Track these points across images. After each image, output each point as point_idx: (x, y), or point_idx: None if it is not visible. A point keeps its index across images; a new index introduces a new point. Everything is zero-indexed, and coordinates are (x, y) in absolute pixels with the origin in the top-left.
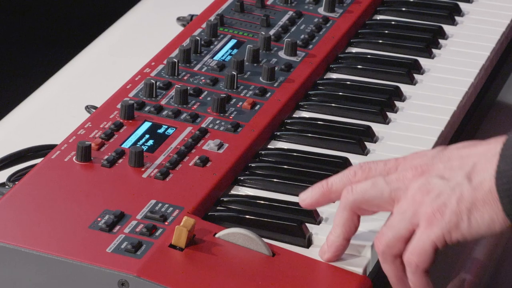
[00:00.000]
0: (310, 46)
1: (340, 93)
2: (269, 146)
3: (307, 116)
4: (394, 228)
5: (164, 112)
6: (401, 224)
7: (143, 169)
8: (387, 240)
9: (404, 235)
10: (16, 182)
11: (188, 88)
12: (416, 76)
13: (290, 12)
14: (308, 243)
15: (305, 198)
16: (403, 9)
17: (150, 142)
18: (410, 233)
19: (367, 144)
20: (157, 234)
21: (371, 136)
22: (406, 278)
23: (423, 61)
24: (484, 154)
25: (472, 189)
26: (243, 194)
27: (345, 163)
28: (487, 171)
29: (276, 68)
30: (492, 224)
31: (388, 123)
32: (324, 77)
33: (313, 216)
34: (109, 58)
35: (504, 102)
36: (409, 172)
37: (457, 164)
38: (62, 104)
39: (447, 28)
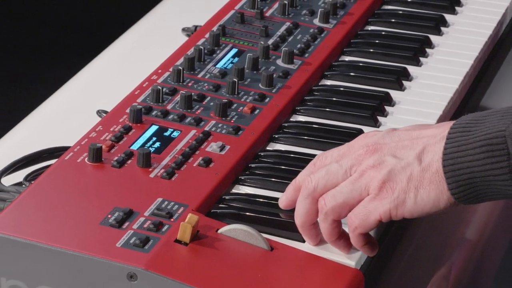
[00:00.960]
0: (306, 55)
1: (334, 99)
2: (268, 148)
3: (303, 120)
4: (343, 195)
5: (170, 116)
6: (352, 193)
7: (150, 169)
8: (334, 204)
9: (351, 204)
10: (32, 182)
11: (192, 94)
12: (404, 82)
13: (288, 23)
14: (304, 238)
15: (282, 200)
16: (393, 20)
17: (157, 144)
18: (358, 202)
19: None
20: (163, 230)
21: None
22: (339, 235)
23: (411, 69)
24: (433, 136)
25: (421, 170)
26: (244, 192)
27: None
28: (435, 153)
29: (274, 75)
30: (437, 201)
31: (379, 127)
32: (319, 84)
33: None
34: (118, 65)
35: (487, 107)
36: (361, 150)
37: (408, 144)
38: (75, 109)
39: (433, 38)
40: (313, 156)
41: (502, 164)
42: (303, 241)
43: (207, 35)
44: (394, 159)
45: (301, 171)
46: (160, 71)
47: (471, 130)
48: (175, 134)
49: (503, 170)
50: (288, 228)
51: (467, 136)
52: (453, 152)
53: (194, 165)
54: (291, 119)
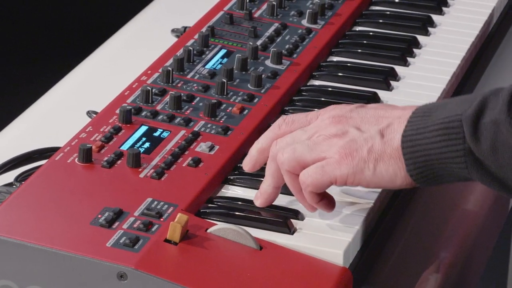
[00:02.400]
0: (295, 55)
1: (322, 99)
2: None
3: None
4: (301, 150)
5: (160, 117)
6: (311, 153)
7: (140, 170)
8: (289, 156)
9: (307, 164)
10: (23, 182)
11: (182, 94)
12: (392, 83)
13: (276, 24)
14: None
15: (246, 163)
16: (380, 21)
17: (147, 144)
18: (314, 163)
19: None
20: (153, 229)
21: None
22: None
23: (398, 69)
24: (398, 117)
25: (382, 143)
26: (233, 192)
27: None
28: (397, 132)
29: (263, 76)
30: (394, 177)
31: None
32: (308, 84)
33: (297, 213)
34: (108, 66)
35: None
36: (327, 121)
37: (373, 121)
38: (65, 110)
39: (421, 38)
40: None
41: (457, 147)
42: (292, 233)
43: (196, 36)
44: (357, 131)
45: None
46: (149, 72)
47: (431, 115)
48: (165, 134)
49: (458, 153)
50: (277, 228)
51: (426, 120)
52: (412, 134)
53: (184, 165)
54: None
